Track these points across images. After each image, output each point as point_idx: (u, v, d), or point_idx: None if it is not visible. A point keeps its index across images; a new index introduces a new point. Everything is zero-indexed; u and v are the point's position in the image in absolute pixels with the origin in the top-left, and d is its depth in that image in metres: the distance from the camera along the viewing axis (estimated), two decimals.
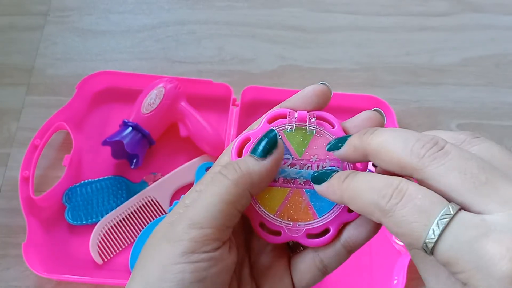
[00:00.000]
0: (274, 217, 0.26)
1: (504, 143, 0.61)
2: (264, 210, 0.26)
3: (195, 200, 0.24)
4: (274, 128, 0.27)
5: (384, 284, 0.52)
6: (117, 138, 0.53)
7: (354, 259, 0.53)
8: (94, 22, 0.69)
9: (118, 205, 0.54)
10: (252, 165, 0.24)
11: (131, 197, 0.55)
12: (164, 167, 0.57)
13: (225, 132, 0.58)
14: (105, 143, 0.55)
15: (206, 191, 0.24)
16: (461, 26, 0.70)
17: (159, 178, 0.56)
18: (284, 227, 0.26)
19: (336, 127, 0.28)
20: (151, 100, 0.55)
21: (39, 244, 0.52)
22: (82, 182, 0.56)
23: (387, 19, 0.71)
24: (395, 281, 0.51)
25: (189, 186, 0.56)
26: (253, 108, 0.62)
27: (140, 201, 0.55)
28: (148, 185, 0.56)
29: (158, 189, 0.56)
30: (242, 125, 0.60)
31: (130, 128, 0.54)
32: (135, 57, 0.66)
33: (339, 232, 0.27)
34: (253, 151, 0.25)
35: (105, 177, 0.56)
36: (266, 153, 0.25)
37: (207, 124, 0.56)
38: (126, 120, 0.55)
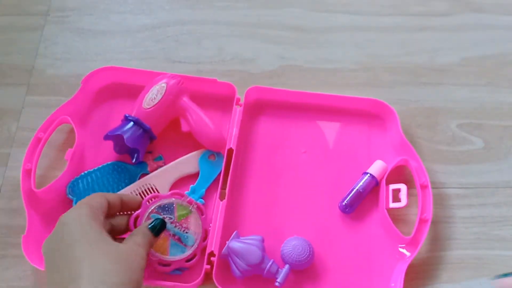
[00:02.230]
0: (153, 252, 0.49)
1: (504, 143, 0.61)
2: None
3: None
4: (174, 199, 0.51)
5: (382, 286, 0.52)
6: (117, 132, 0.54)
7: (354, 262, 0.53)
8: (94, 22, 0.69)
9: (123, 188, 0.55)
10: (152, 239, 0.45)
11: (133, 179, 0.56)
12: (165, 162, 0.58)
13: (227, 132, 0.58)
14: (106, 137, 0.55)
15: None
16: (461, 26, 0.70)
17: (161, 166, 0.57)
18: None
19: (204, 215, 0.52)
20: (153, 95, 0.55)
21: (39, 238, 0.52)
22: (82, 173, 0.56)
23: (387, 19, 0.71)
24: (392, 285, 0.51)
25: (189, 176, 0.57)
26: (256, 108, 0.62)
27: (140, 187, 0.55)
28: (148, 166, 0.57)
29: (159, 177, 0.56)
30: (244, 125, 0.60)
31: (131, 123, 0.54)
32: (135, 57, 0.66)
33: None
34: (152, 230, 0.45)
35: (103, 164, 0.57)
36: (159, 233, 0.46)
37: (208, 120, 0.56)
38: (128, 115, 0.55)
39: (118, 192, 0.54)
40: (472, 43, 0.69)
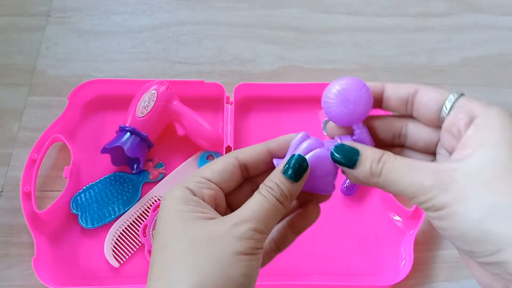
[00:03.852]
0: None
1: None
2: None
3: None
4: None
5: (392, 263, 0.54)
6: (117, 144, 0.53)
7: (362, 241, 0.54)
8: (95, 23, 0.70)
9: (127, 198, 0.55)
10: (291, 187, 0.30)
11: (137, 188, 0.56)
12: (166, 168, 0.58)
13: (222, 130, 0.59)
14: (104, 150, 0.54)
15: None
16: (461, 26, 0.70)
17: (163, 172, 0.57)
18: None
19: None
20: (145, 103, 0.55)
21: (49, 258, 0.52)
22: (84, 187, 0.56)
23: (387, 20, 0.71)
24: (403, 256, 0.53)
25: None
26: (247, 104, 0.62)
27: (147, 202, 0.56)
28: (149, 174, 0.57)
29: (163, 188, 0.56)
30: (238, 123, 0.60)
31: (128, 133, 0.54)
32: (135, 57, 0.67)
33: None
34: (289, 176, 0.30)
35: (105, 176, 0.57)
36: (299, 177, 0.31)
37: (202, 120, 0.57)
38: (123, 126, 0.55)
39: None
40: (472, 43, 0.69)
